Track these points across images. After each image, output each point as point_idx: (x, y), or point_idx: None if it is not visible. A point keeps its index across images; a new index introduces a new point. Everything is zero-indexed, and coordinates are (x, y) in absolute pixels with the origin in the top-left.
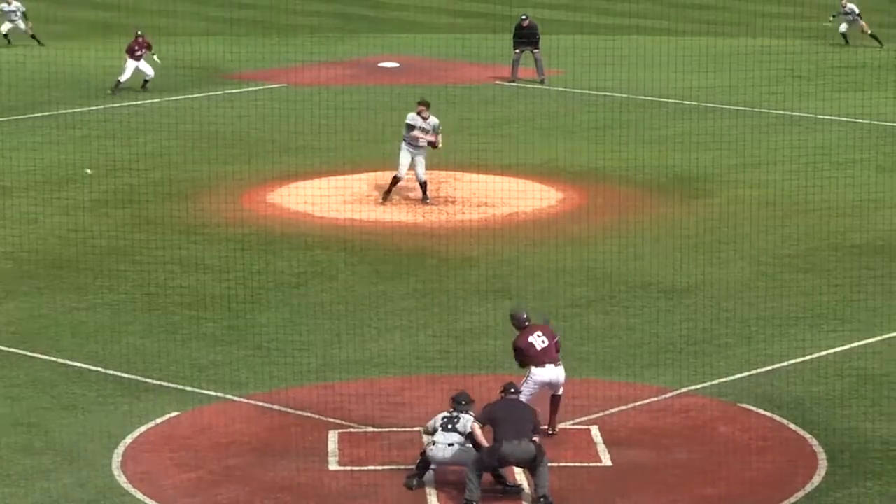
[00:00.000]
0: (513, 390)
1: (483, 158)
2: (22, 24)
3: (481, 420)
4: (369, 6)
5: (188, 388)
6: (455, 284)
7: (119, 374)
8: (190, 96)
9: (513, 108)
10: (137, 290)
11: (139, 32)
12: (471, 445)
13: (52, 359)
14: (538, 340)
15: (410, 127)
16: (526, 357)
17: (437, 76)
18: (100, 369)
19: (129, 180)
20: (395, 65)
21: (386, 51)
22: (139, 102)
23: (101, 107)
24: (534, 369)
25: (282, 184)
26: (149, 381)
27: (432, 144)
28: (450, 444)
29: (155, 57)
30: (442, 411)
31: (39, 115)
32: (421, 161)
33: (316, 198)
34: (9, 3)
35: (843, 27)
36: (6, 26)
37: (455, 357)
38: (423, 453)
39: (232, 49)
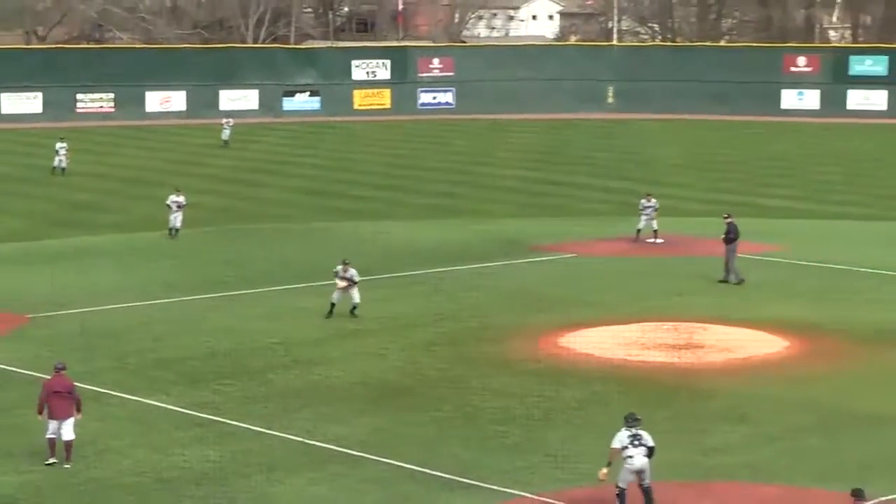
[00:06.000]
0: None
1: (725, 314)
2: None
3: None
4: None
5: (494, 487)
6: (702, 411)
7: (442, 475)
8: (503, 263)
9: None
10: (458, 410)
11: None
12: None
13: (392, 461)
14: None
15: None
16: None
17: (691, 249)
18: (427, 471)
19: (454, 326)
20: (661, 241)
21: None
22: (464, 267)
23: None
24: None
25: (571, 331)
26: (465, 480)
27: None
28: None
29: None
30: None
31: (387, 276)
32: None
33: (597, 342)
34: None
35: None
36: None
37: (700, 468)
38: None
39: (536, 228)
